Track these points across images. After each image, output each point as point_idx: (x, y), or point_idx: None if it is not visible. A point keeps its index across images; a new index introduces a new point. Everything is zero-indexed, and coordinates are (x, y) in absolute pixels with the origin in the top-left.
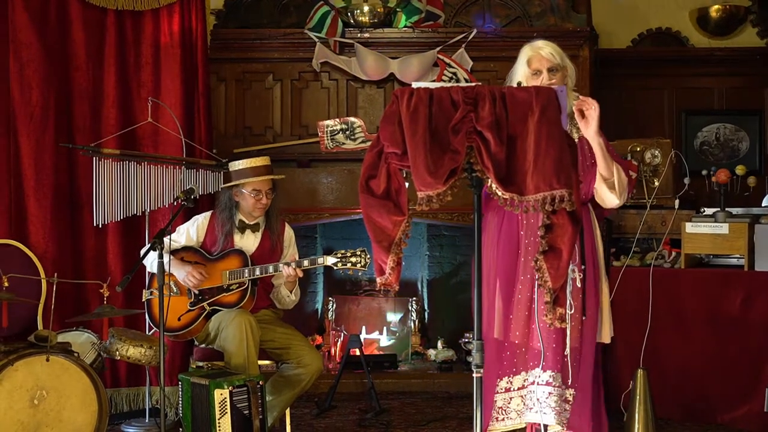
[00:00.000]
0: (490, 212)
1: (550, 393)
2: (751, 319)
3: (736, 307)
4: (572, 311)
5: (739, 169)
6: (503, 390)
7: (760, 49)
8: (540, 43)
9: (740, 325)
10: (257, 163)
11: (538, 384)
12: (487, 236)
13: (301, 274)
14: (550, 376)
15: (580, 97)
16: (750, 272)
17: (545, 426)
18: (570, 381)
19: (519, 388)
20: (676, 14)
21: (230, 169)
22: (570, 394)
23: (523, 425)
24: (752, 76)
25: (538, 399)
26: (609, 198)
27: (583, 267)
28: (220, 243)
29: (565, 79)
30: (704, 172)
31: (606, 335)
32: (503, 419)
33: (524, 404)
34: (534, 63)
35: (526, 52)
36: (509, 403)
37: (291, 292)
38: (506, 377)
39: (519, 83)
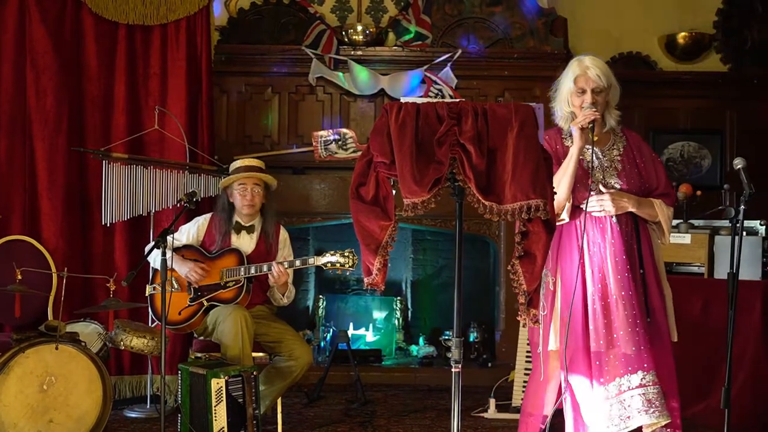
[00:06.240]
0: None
1: (643, 393)
2: (709, 323)
3: (696, 311)
4: (545, 312)
5: None
6: (603, 398)
7: (722, 74)
8: (588, 62)
9: (700, 328)
10: (247, 162)
11: (631, 388)
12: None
13: (287, 275)
14: (641, 378)
15: (602, 191)
16: (709, 279)
17: (639, 427)
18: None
19: (616, 395)
20: (646, 40)
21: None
22: (663, 393)
23: (628, 430)
24: (715, 98)
25: (648, 400)
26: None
27: (641, 271)
28: (218, 242)
29: (608, 97)
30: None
31: (674, 334)
32: (608, 426)
33: (625, 409)
34: (580, 82)
35: (573, 70)
36: (611, 410)
37: (283, 296)
38: (602, 386)
39: (497, 101)
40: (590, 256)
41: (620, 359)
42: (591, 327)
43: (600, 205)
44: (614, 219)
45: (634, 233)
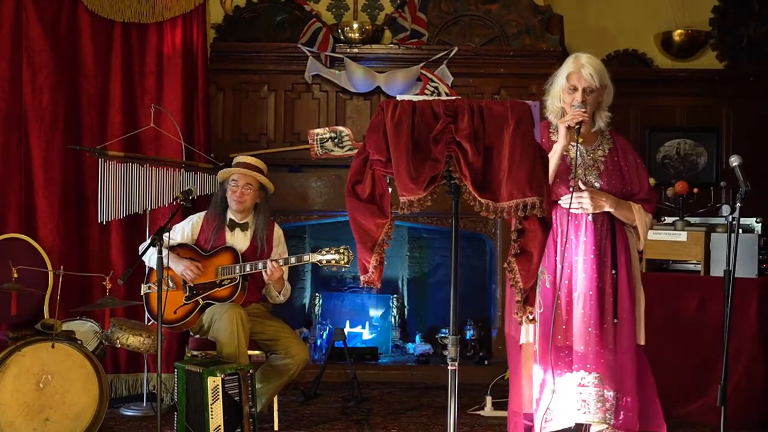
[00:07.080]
0: None
1: (580, 393)
2: (705, 321)
3: (692, 309)
4: (541, 310)
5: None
6: (559, 389)
7: (718, 71)
8: (583, 60)
9: (695, 325)
10: (248, 160)
11: (572, 386)
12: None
13: (281, 271)
14: (581, 378)
15: (581, 188)
16: (705, 277)
17: (588, 425)
18: (608, 382)
19: (565, 390)
20: (642, 37)
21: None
22: (610, 395)
23: (571, 425)
24: (711, 96)
25: (584, 400)
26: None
27: (614, 272)
28: (211, 238)
29: (600, 97)
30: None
31: (641, 337)
32: (551, 420)
33: (566, 404)
34: (572, 79)
35: (568, 66)
36: (559, 403)
37: (279, 293)
38: (558, 378)
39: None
40: (562, 252)
41: (571, 356)
42: (555, 322)
43: (578, 202)
44: (590, 217)
45: (610, 234)
